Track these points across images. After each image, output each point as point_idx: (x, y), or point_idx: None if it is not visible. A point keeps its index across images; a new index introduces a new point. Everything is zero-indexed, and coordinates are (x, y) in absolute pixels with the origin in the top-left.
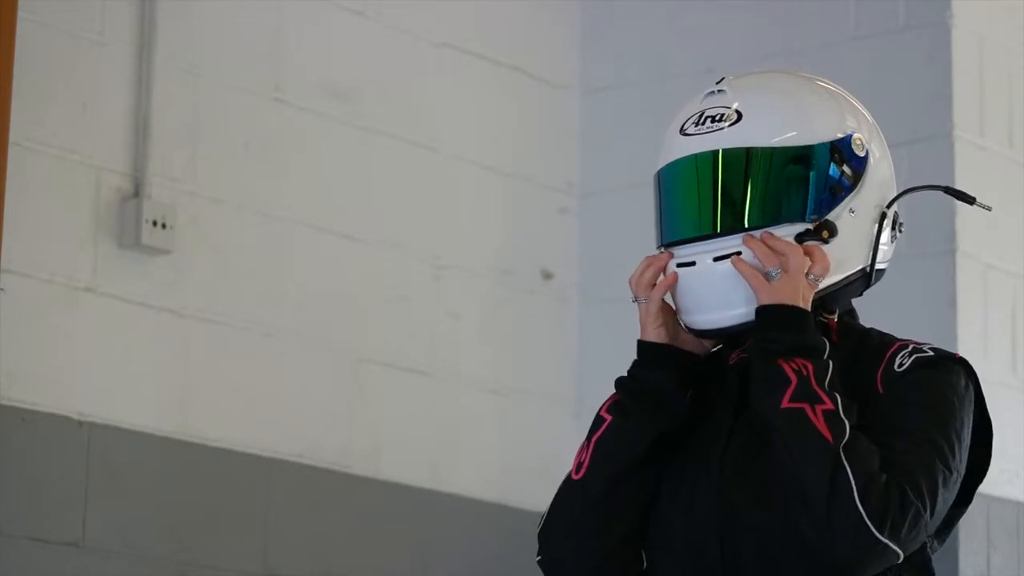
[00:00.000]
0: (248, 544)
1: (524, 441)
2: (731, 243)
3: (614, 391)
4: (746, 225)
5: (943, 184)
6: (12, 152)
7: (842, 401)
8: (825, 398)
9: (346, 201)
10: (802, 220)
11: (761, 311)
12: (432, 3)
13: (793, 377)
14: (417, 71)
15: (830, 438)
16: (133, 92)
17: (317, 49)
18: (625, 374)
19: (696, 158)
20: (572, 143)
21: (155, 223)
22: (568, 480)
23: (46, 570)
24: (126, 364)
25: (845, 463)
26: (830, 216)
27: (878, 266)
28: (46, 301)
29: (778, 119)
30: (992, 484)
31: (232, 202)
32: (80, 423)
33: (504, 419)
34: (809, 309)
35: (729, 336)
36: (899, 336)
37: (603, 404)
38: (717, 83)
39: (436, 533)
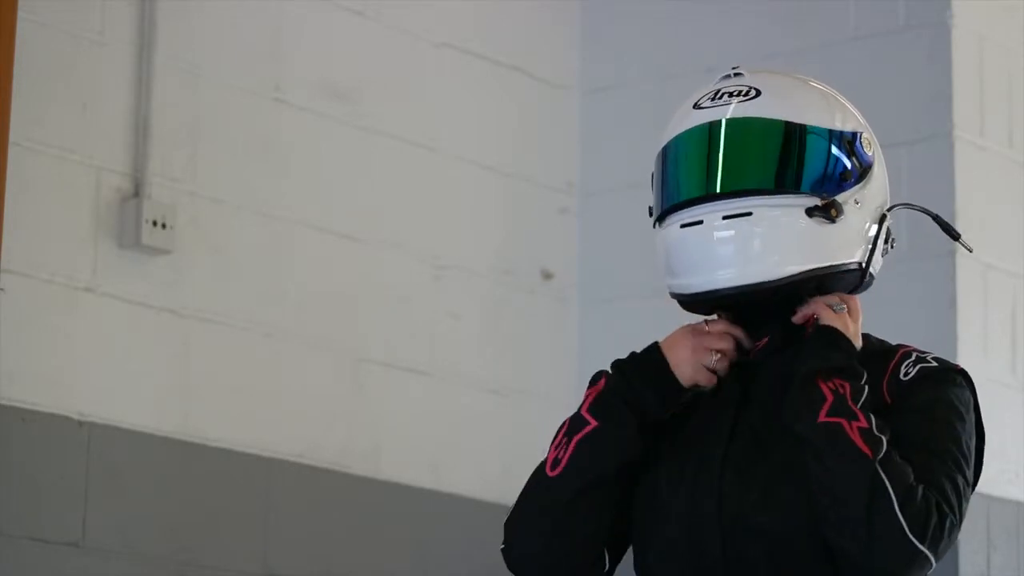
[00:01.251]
0: (248, 544)
1: (524, 441)
2: (742, 204)
3: (595, 385)
4: (759, 187)
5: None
6: (12, 152)
7: (875, 421)
8: (860, 416)
9: (346, 201)
10: (814, 195)
11: (823, 328)
12: (432, 3)
13: (829, 395)
14: (417, 71)
15: (868, 452)
16: (133, 92)
17: (317, 49)
18: (611, 372)
19: (713, 124)
20: (572, 143)
21: (155, 223)
22: (541, 474)
23: (46, 570)
24: (126, 364)
25: (883, 476)
26: (838, 199)
27: (873, 274)
28: (46, 301)
29: (797, 102)
30: (992, 484)
31: (232, 202)
32: (80, 423)
33: (504, 419)
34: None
35: (711, 306)
36: (889, 339)
37: (584, 401)
38: (733, 68)
39: (436, 533)
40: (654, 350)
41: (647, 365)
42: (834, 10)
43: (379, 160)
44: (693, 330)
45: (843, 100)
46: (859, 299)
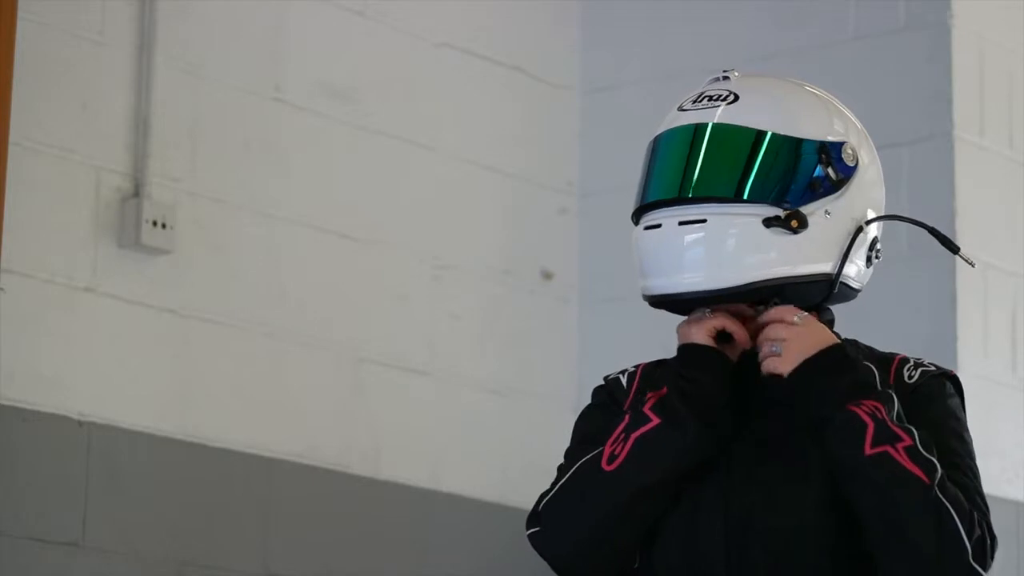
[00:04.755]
0: (248, 544)
1: (524, 441)
2: (699, 211)
3: (642, 378)
4: (719, 195)
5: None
6: (12, 152)
7: (919, 436)
8: (904, 435)
9: (346, 201)
10: (775, 205)
11: (797, 374)
12: (432, 3)
13: (869, 421)
14: (417, 71)
15: (925, 478)
16: (133, 92)
17: (317, 49)
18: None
19: (684, 128)
20: (572, 143)
21: (155, 223)
22: (597, 467)
23: (46, 570)
24: (126, 364)
25: (945, 502)
26: (804, 210)
27: (851, 283)
28: (46, 301)
29: (773, 109)
30: (992, 484)
31: (232, 202)
32: (80, 423)
33: (504, 419)
34: (833, 339)
35: (681, 305)
36: (889, 339)
37: (644, 399)
38: (724, 71)
39: (436, 533)
40: (678, 348)
41: (684, 356)
42: (834, 10)
43: (379, 160)
44: (688, 319)
45: (837, 107)
46: (856, 300)
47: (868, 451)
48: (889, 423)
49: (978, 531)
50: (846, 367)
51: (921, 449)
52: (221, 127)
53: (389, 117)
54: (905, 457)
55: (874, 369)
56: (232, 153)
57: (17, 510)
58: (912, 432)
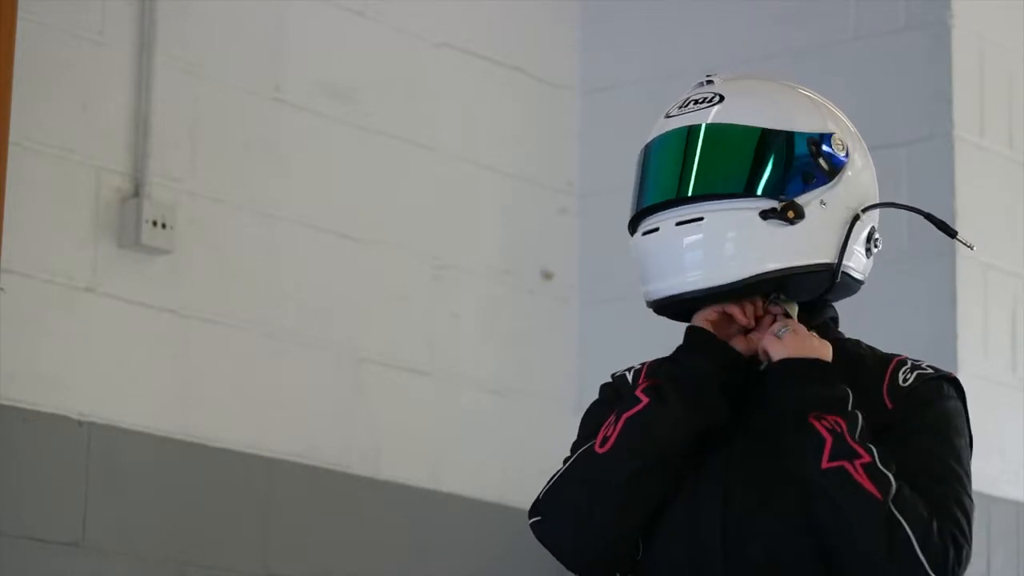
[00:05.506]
0: (248, 544)
1: (524, 441)
2: (695, 210)
3: (646, 374)
4: (712, 192)
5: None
6: (12, 152)
7: (878, 453)
8: (862, 452)
9: (346, 201)
10: (770, 198)
11: (781, 365)
12: (432, 3)
13: (827, 436)
14: (417, 71)
15: (878, 494)
16: (133, 92)
17: (317, 49)
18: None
19: (676, 131)
20: (572, 143)
21: (155, 223)
22: (591, 452)
23: (46, 570)
24: (126, 364)
25: (899, 516)
26: (799, 200)
27: (855, 275)
28: (46, 301)
29: (761, 106)
30: (992, 484)
31: (232, 202)
32: (80, 423)
33: (504, 419)
34: (829, 359)
35: (684, 308)
36: (889, 338)
37: (638, 383)
38: (708, 76)
39: (436, 533)
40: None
41: (686, 338)
42: (834, 10)
43: (379, 160)
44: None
45: (821, 101)
46: (855, 298)
47: (824, 465)
48: (848, 439)
49: (936, 540)
50: (826, 382)
51: (879, 466)
52: (221, 127)
53: (389, 117)
54: (861, 473)
55: (850, 395)
56: (232, 153)
57: (17, 510)
58: (872, 450)
